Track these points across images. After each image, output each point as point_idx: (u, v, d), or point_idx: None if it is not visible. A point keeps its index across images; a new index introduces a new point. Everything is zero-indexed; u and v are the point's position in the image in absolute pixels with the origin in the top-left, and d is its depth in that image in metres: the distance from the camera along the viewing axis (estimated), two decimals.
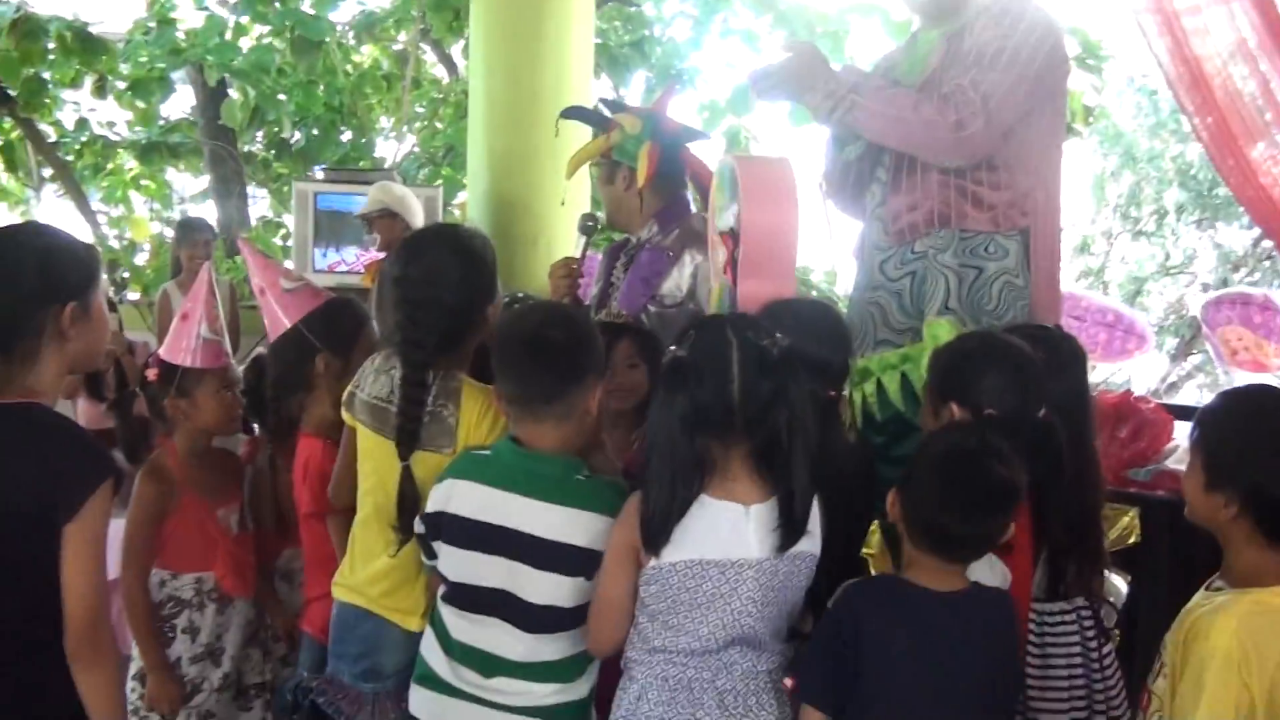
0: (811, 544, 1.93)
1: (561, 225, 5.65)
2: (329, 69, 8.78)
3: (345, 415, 2.34)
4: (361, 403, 2.30)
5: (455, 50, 10.78)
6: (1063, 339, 2.33)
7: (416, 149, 10.36)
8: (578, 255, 3.15)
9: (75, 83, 9.30)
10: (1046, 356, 2.18)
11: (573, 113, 3.32)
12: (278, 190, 11.05)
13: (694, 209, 3.16)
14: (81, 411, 5.41)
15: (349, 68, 9.78)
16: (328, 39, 8.42)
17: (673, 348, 1.89)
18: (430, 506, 2.08)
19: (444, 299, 2.22)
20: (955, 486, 1.87)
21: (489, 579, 2.00)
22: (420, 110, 10.89)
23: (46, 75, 8.69)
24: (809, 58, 2.62)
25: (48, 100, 8.98)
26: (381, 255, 5.21)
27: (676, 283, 2.95)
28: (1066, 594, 2.21)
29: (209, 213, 10.14)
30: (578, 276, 3.07)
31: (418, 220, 5.11)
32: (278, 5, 8.19)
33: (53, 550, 1.84)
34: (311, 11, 8.33)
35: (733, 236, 2.37)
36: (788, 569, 1.90)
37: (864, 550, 2.29)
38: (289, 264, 5.91)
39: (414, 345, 2.20)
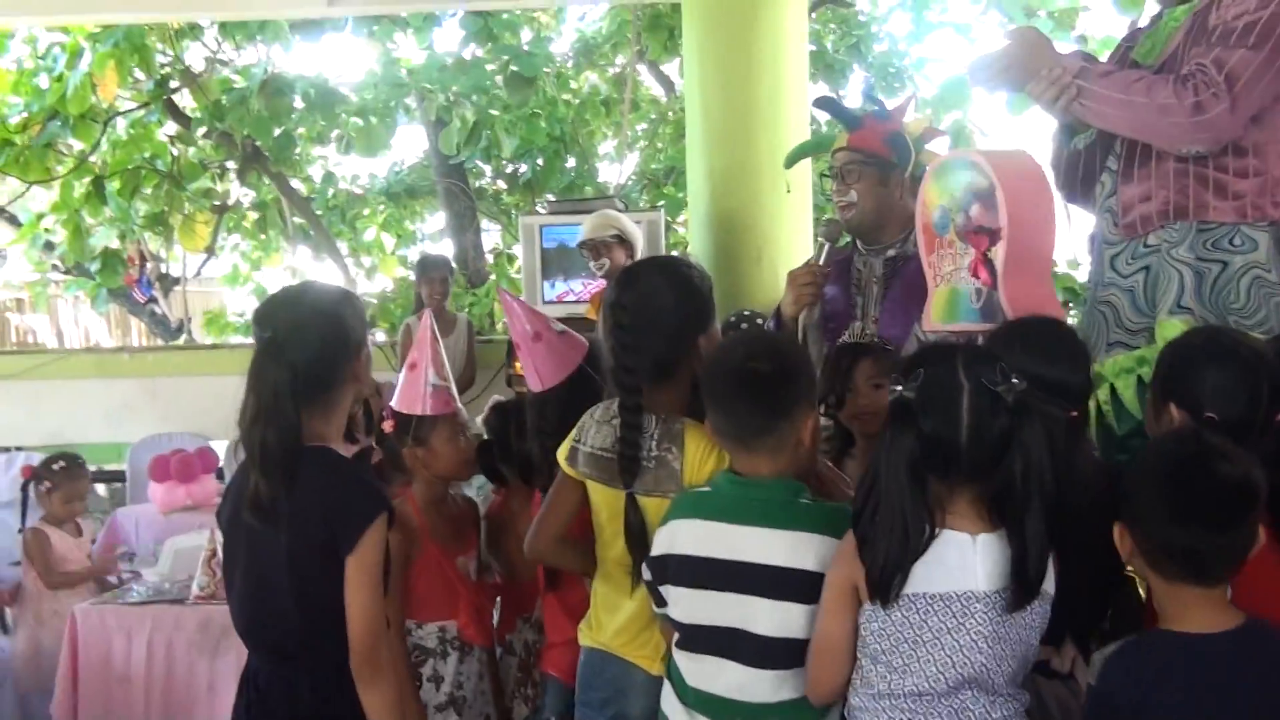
0: (1045, 582, 1.80)
1: (784, 241, 5.58)
2: (549, 99, 8.96)
3: (568, 469, 2.32)
4: (586, 456, 2.29)
5: (671, 69, 10.91)
6: None
7: (637, 172, 10.48)
8: (820, 263, 2.97)
9: (321, 138, 9.87)
10: None
11: (826, 104, 3.21)
12: (509, 222, 11.43)
13: None
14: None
15: (568, 96, 9.97)
16: (545, 70, 8.58)
17: (898, 387, 1.77)
18: (655, 551, 2.05)
19: (657, 326, 2.21)
20: (1185, 495, 1.70)
21: (719, 617, 1.95)
22: (641, 130, 11.02)
23: (294, 133, 9.21)
24: (1031, 43, 2.44)
25: (297, 156, 9.51)
26: (604, 284, 5.22)
27: None
28: None
29: (447, 249, 10.56)
30: (822, 284, 2.93)
31: (640, 245, 5.09)
32: (491, 45, 8.42)
33: (337, 579, 2.04)
34: (527, 47, 8.52)
35: (983, 234, 2.27)
36: (1032, 609, 1.79)
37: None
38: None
39: (627, 371, 2.21)
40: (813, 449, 2.04)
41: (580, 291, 5.73)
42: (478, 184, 10.71)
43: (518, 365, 5.92)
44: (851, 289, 3.01)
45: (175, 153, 9.42)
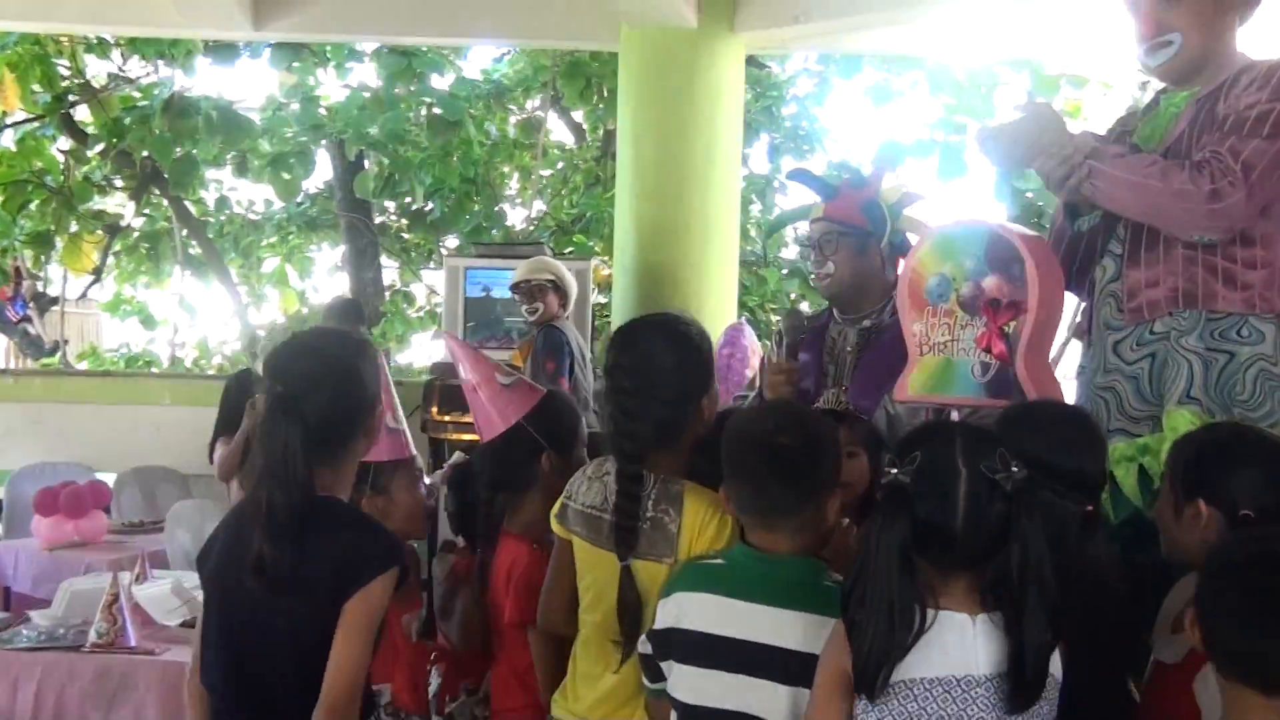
0: (1058, 667, 1.73)
1: (713, 298, 5.57)
2: (464, 141, 8.86)
3: (557, 528, 2.23)
4: (575, 513, 2.19)
5: (579, 117, 10.91)
6: None
7: (547, 217, 10.41)
8: (775, 356, 2.92)
9: (218, 161, 9.58)
10: None
11: (800, 176, 3.15)
12: (409, 260, 11.24)
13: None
14: (237, 495, 5.41)
15: (481, 138, 9.88)
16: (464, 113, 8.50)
17: (892, 470, 1.70)
18: (659, 623, 1.94)
19: (659, 388, 2.12)
20: (1270, 603, 1.64)
21: (728, 700, 1.85)
22: (545, 175, 10.97)
23: (194, 154, 8.92)
24: (1044, 119, 2.43)
25: (195, 179, 9.21)
26: (530, 335, 5.13)
27: None
28: None
29: (344, 282, 10.33)
30: (796, 378, 2.86)
31: (573, 292, 5.03)
32: (414, 85, 8.29)
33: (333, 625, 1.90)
34: (447, 91, 8.42)
35: (1002, 308, 2.26)
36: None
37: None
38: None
39: (627, 437, 2.10)
40: (834, 526, 1.97)
41: (502, 340, 5.62)
42: (380, 219, 10.54)
43: (433, 410, 5.83)
44: (824, 357, 2.97)
45: (67, 170, 9.02)
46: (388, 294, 10.95)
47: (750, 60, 9.88)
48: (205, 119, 8.38)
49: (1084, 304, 2.66)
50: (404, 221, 10.42)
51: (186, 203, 9.79)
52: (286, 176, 8.62)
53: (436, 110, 8.00)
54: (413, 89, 8.23)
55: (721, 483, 2.00)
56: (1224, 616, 1.65)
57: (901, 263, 2.93)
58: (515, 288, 5.00)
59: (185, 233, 10.12)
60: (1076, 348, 2.61)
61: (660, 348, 2.16)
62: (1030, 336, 2.22)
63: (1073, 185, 2.39)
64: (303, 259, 11.16)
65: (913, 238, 2.93)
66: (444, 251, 10.62)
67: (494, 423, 2.53)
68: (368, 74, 8.94)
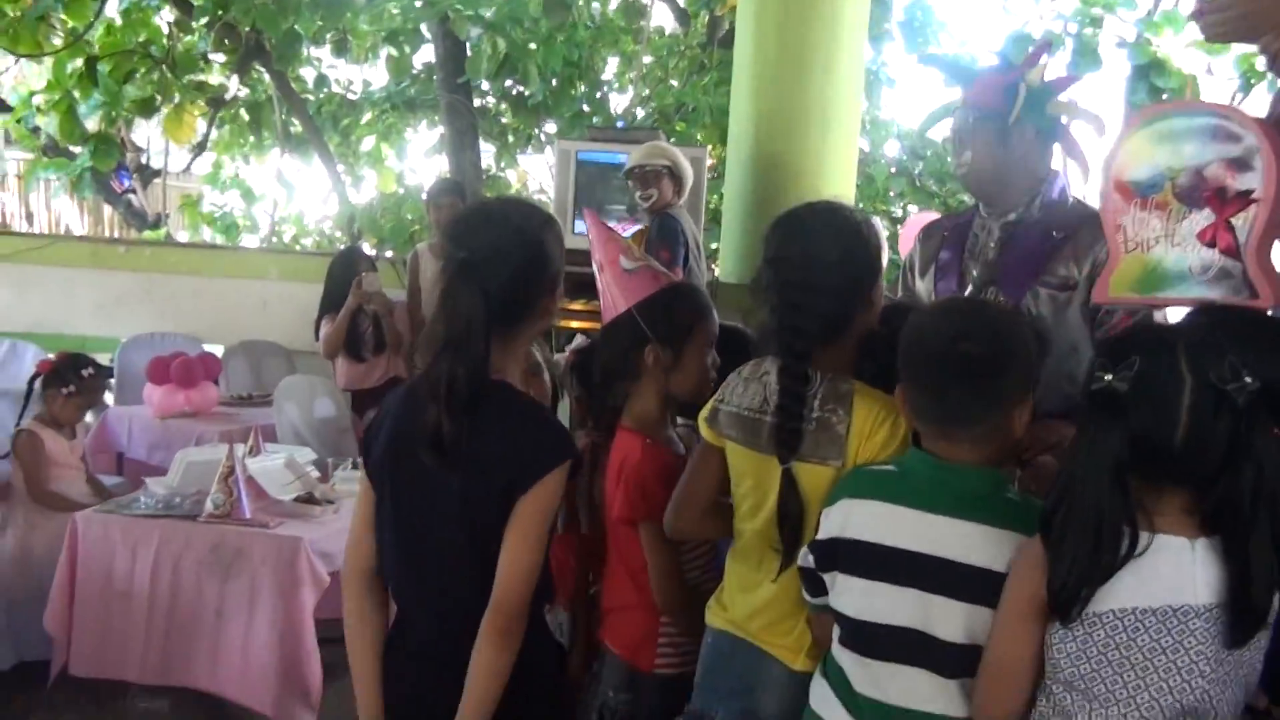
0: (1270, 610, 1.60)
1: (829, 189, 5.35)
2: (570, 24, 8.63)
3: (707, 433, 2.13)
4: (729, 416, 2.09)
5: (684, 2, 10.58)
6: None
7: (649, 104, 10.18)
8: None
9: (318, 40, 9.47)
10: None
11: (933, 60, 2.96)
12: (505, 145, 11.10)
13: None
14: (341, 372, 5.43)
15: (587, 21, 9.63)
16: None
17: (1106, 375, 1.56)
18: (823, 533, 1.84)
19: (828, 280, 2.00)
20: None
21: (898, 616, 1.75)
22: (647, 61, 10.71)
23: (297, 29, 8.82)
24: None
25: (297, 55, 9.12)
26: (640, 226, 4.99)
27: (1068, 265, 2.58)
28: None
29: (443, 164, 10.24)
30: None
31: (689, 181, 4.87)
32: None
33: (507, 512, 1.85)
34: None
35: (1228, 199, 2.07)
36: None
37: None
38: None
39: (795, 332, 1.98)
40: (1020, 439, 1.83)
41: (615, 227, 5.48)
42: (479, 102, 10.38)
43: None
44: (965, 255, 2.80)
45: (171, 41, 8.98)
46: (486, 176, 10.86)
47: None
48: None
49: None
50: (504, 105, 10.22)
51: (288, 79, 9.70)
52: (395, 54, 8.45)
53: None
54: None
55: (888, 384, 1.88)
56: None
57: (1055, 150, 2.76)
58: (629, 173, 4.85)
59: (286, 109, 10.06)
60: None
61: (829, 236, 2.03)
62: (1264, 229, 2.01)
63: None
64: (400, 139, 11.06)
65: (1074, 125, 2.73)
66: (543, 136, 10.52)
67: (611, 307, 2.44)
68: None
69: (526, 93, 9.35)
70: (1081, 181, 2.73)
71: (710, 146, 8.48)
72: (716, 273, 5.90)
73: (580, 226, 5.60)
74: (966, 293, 2.72)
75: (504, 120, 10.79)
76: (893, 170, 9.25)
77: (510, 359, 1.94)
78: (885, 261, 2.17)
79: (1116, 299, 2.22)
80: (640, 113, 9.99)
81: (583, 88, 9.64)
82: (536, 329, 1.99)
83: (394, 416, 1.98)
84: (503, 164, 11.34)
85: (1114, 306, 2.39)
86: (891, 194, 10.39)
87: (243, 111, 10.21)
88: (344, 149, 10.96)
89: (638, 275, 2.47)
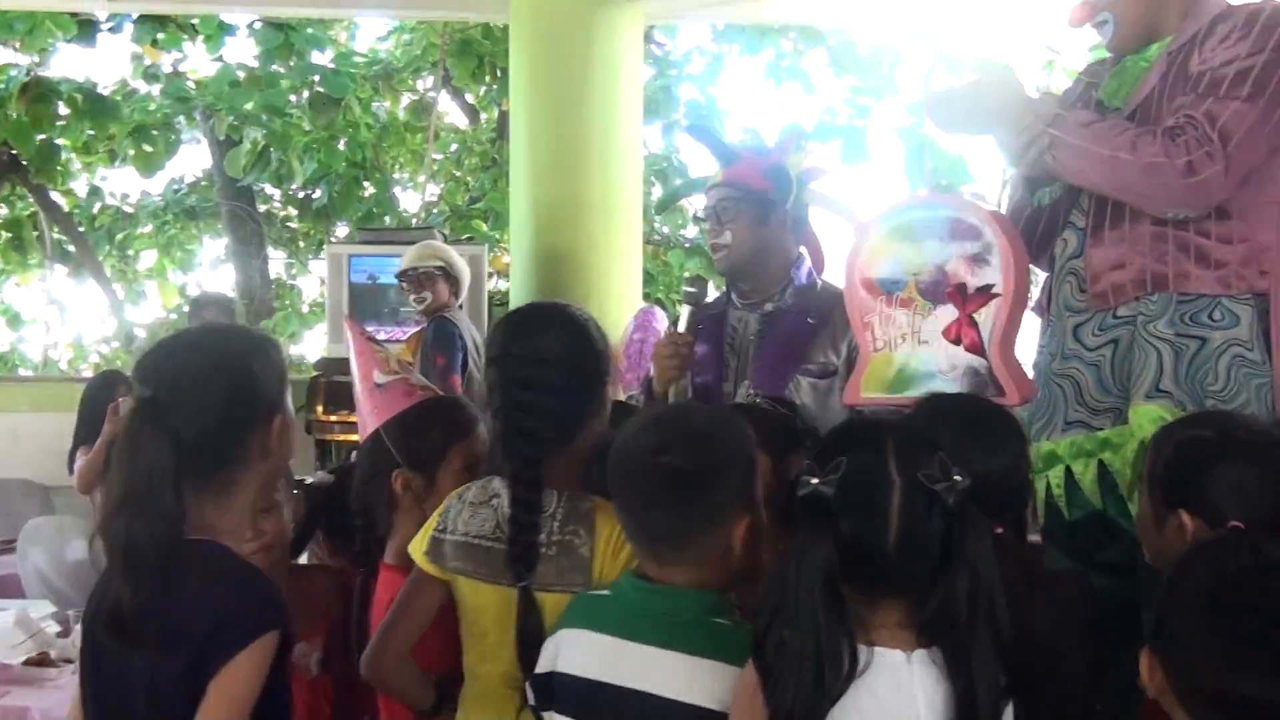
0: (1006, 715, 1.46)
1: (615, 280, 5.28)
2: (350, 123, 8.40)
3: (427, 566, 1.87)
4: (456, 547, 1.85)
5: (473, 99, 10.49)
6: None
7: (442, 202, 9.99)
8: (680, 330, 2.58)
9: (88, 149, 8.98)
10: None
11: (700, 133, 2.84)
12: (297, 250, 10.72)
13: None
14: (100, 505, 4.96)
15: (369, 120, 9.41)
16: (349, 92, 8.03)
17: (812, 479, 1.41)
18: (540, 667, 1.64)
19: (558, 377, 1.83)
20: (1243, 630, 1.34)
21: None
22: (437, 158, 10.55)
23: (58, 142, 8.34)
24: (1001, 83, 2.14)
25: (59, 167, 8.61)
26: (421, 327, 4.77)
27: (825, 352, 2.50)
28: None
29: (229, 276, 9.80)
30: (687, 354, 2.54)
31: (465, 280, 4.68)
32: (294, 61, 7.77)
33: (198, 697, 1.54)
34: (331, 65, 7.94)
35: (971, 295, 2.02)
36: None
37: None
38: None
39: (524, 435, 1.79)
40: (747, 554, 1.63)
41: (393, 331, 5.23)
42: (265, 208, 10.01)
43: (318, 409, 5.42)
44: (725, 349, 2.67)
45: None
46: (277, 287, 10.45)
47: (644, 38, 9.66)
48: (69, 103, 7.82)
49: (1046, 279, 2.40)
50: (291, 210, 9.88)
51: (54, 193, 9.15)
52: (149, 149, 8.02)
53: (320, 88, 7.48)
54: (292, 64, 7.70)
55: None
56: (1196, 654, 1.36)
57: (804, 245, 2.69)
58: (402, 275, 4.63)
59: (54, 227, 9.48)
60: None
61: (554, 333, 1.87)
62: (1006, 325, 1.97)
63: (1033, 157, 2.11)
64: (184, 252, 10.55)
65: (815, 214, 2.67)
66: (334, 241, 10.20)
67: (364, 428, 2.21)
68: (242, 53, 8.43)
69: (314, 195, 9.06)
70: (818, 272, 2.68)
71: (506, 243, 8.33)
72: None
73: None
74: (725, 387, 2.60)
75: (293, 226, 10.46)
76: (687, 246, 9.27)
77: (225, 512, 1.65)
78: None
79: (868, 400, 2.13)
80: (430, 211, 9.79)
81: (370, 189, 9.40)
82: (259, 471, 1.68)
83: (100, 581, 1.66)
84: (294, 272, 10.97)
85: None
86: (687, 275, 10.43)
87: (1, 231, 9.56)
88: (122, 264, 10.40)
89: (389, 391, 2.24)
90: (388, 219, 9.15)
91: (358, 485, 2.22)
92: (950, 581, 1.38)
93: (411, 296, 4.60)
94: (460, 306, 4.71)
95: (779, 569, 1.41)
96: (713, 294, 2.86)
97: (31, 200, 9.17)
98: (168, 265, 10.39)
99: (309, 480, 2.66)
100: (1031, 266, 2.16)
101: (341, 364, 5.28)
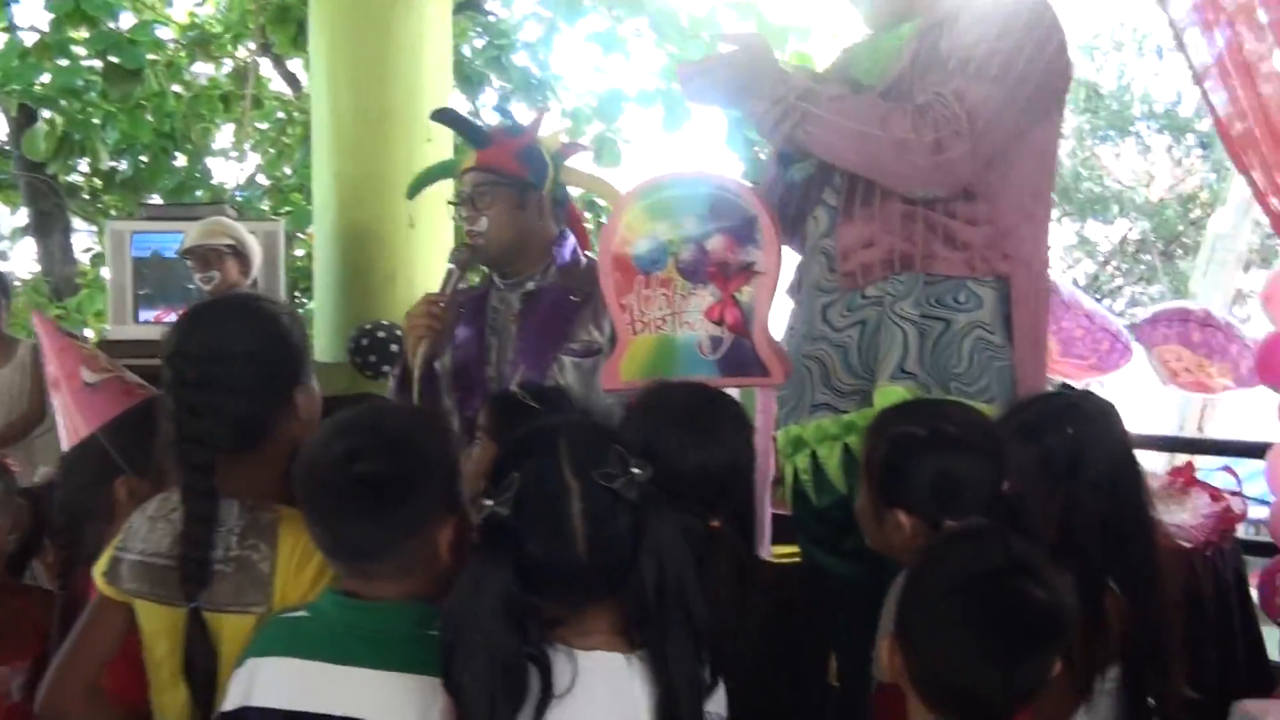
0: (719, 703, 1.45)
1: (421, 258, 5.11)
2: (157, 91, 7.97)
3: (106, 589, 1.71)
4: (132, 566, 1.70)
5: (299, 66, 10.11)
6: (1087, 399, 1.86)
7: (261, 175, 9.63)
8: (444, 293, 2.52)
9: None
10: (1076, 430, 1.73)
11: (445, 116, 2.73)
12: (103, 224, 10.19)
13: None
14: None
15: (180, 88, 8.96)
16: (152, 58, 7.61)
17: (487, 500, 1.35)
18: (229, 703, 1.50)
19: (236, 376, 1.68)
20: (986, 630, 1.36)
21: None
22: (262, 128, 10.15)
23: None
24: (755, 54, 2.10)
25: None
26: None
27: (589, 329, 2.45)
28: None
29: (29, 251, 9.27)
30: (445, 319, 2.47)
31: (257, 259, 4.47)
32: (85, 31, 7.29)
33: None
34: (129, 34, 7.48)
35: (733, 273, 2.01)
36: None
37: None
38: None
39: (194, 442, 1.65)
40: (458, 559, 1.54)
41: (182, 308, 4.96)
42: (69, 179, 9.48)
43: None
44: (486, 331, 2.59)
45: None
46: (83, 264, 9.92)
47: (473, 4, 9.45)
48: None
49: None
50: (96, 182, 9.37)
51: None
52: None
53: (113, 58, 7.04)
54: (85, 35, 7.22)
55: None
56: (936, 650, 1.37)
57: (567, 224, 2.64)
58: (188, 253, 4.40)
59: None
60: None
61: (238, 328, 1.72)
62: (768, 303, 1.97)
63: (785, 132, 2.08)
64: None
65: (575, 193, 2.62)
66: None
67: (72, 432, 2.04)
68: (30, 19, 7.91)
69: (119, 167, 8.61)
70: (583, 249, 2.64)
71: None
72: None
73: (145, 315, 5.06)
74: (487, 370, 2.52)
75: (103, 199, 9.94)
76: None
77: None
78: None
79: (628, 385, 2.07)
80: (249, 184, 9.42)
81: (182, 160, 8.98)
82: None
83: None
84: (103, 245, 10.43)
85: None
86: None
87: None
88: None
89: (103, 390, 2.09)
90: (200, 193, 8.77)
91: (66, 496, 2.07)
92: (639, 577, 1.34)
93: (198, 275, 4.37)
94: (254, 285, 4.51)
95: (455, 598, 1.34)
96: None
97: None
98: None
99: (36, 481, 2.49)
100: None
101: (129, 347, 5.01)
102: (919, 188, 2.05)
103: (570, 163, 2.64)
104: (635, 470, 1.36)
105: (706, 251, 2.00)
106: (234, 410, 1.67)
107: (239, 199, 8.95)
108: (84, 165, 9.30)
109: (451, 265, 2.54)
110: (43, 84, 7.50)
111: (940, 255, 2.07)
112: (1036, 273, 2.14)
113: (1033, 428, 1.79)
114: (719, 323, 2.00)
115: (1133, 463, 1.80)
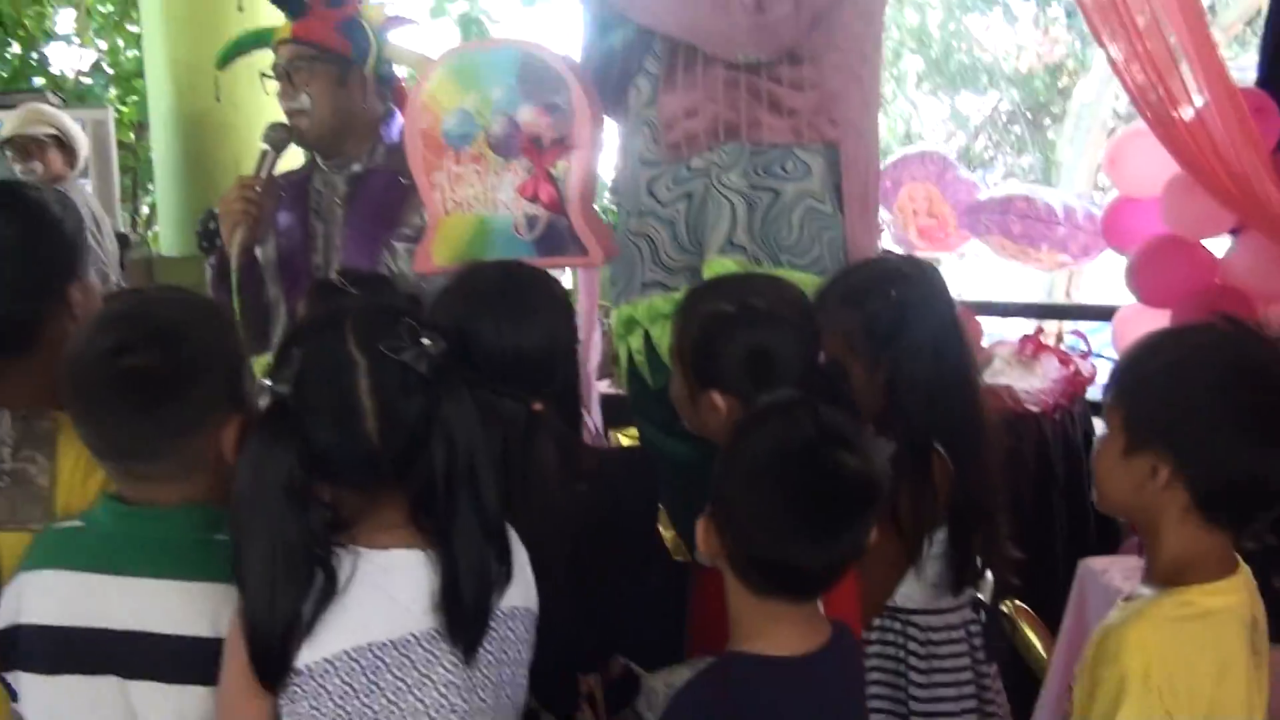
0: (524, 596, 1.39)
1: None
2: None
3: None
4: None
5: None
6: (911, 263, 1.82)
7: (104, 62, 9.08)
8: (259, 176, 2.36)
9: None
10: (899, 294, 1.70)
11: None
12: None
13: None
14: None
15: None
16: None
17: (266, 380, 1.26)
18: None
19: None
20: (800, 502, 1.32)
21: (98, 715, 1.34)
22: (105, 12, 9.55)
23: None
24: None
25: None
26: None
27: (421, 213, 2.30)
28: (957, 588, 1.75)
29: None
30: (263, 203, 2.32)
31: (83, 149, 4.21)
32: None
33: None
34: None
35: (547, 147, 1.88)
36: (499, 636, 1.34)
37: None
38: None
39: None
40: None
41: None
42: None
43: None
44: (310, 216, 2.45)
45: None
46: None
47: None
48: None
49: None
50: None
51: None
52: None
53: None
54: None
55: None
56: (755, 526, 1.33)
57: (395, 103, 2.49)
58: (5, 144, 4.12)
59: None
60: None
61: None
62: (584, 179, 1.86)
63: None
64: None
65: (401, 71, 2.47)
66: None
67: None
68: None
69: None
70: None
71: None
72: (157, 251, 5.26)
73: None
74: (314, 259, 2.39)
75: None
76: None
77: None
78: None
79: (441, 268, 1.96)
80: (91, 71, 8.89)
81: (16, 47, 8.43)
82: None
83: None
84: None
85: None
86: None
87: None
88: None
89: None
90: (39, 81, 8.26)
91: None
92: (427, 458, 1.26)
93: (18, 167, 4.11)
94: (76, 177, 4.26)
95: (237, 485, 1.24)
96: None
97: None
98: None
99: None
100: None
101: None
102: (740, 50, 1.96)
103: (396, 38, 2.49)
104: (428, 342, 1.27)
105: (518, 124, 1.89)
106: None
107: (82, 87, 8.46)
108: None
109: (265, 146, 2.38)
110: None
111: (766, 123, 1.99)
112: (866, 138, 2.07)
113: (856, 293, 1.75)
114: (534, 200, 1.90)
115: (956, 325, 1.78)
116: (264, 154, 2.36)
